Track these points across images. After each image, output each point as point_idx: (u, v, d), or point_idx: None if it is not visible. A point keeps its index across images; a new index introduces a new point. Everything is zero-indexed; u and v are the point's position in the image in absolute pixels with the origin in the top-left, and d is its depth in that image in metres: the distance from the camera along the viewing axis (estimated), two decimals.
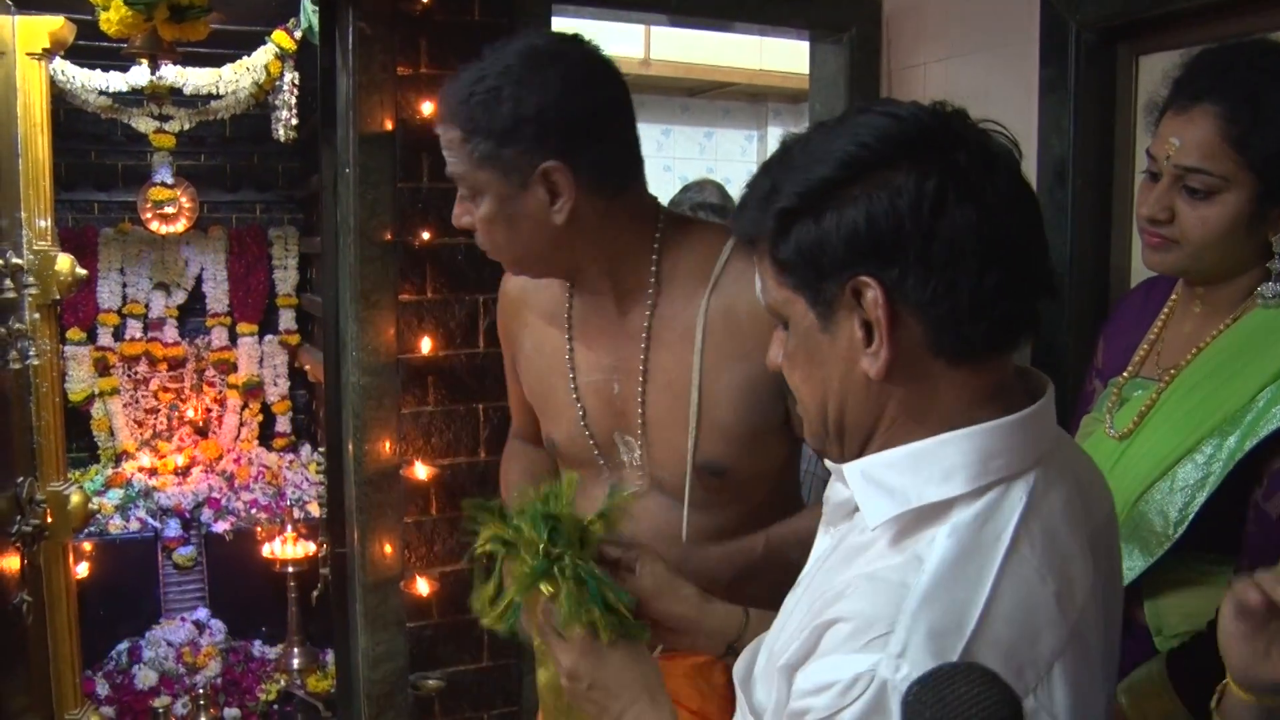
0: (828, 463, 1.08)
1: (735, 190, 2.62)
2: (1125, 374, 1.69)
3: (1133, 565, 1.54)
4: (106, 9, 2.35)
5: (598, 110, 1.49)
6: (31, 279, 2.46)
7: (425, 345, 2.61)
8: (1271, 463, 1.42)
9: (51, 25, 2.48)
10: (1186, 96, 1.49)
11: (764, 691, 1.06)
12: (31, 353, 2.45)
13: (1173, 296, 1.67)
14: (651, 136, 5.95)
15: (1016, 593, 0.90)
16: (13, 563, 2.32)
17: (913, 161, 0.91)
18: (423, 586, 2.65)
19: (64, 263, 2.56)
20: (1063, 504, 0.97)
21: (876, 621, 0.89)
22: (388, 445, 2.60)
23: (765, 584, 1.39)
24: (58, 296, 2.57)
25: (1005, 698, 0.78)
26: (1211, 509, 1.47)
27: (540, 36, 1.54)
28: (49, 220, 2.56)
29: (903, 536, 0.96)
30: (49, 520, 2.49)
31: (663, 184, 4.44)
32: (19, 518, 2.35)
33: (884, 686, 0.87)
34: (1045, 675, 0.90)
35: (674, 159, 5.94)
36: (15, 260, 2.34)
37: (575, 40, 1.53)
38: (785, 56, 5.17)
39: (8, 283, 2.27)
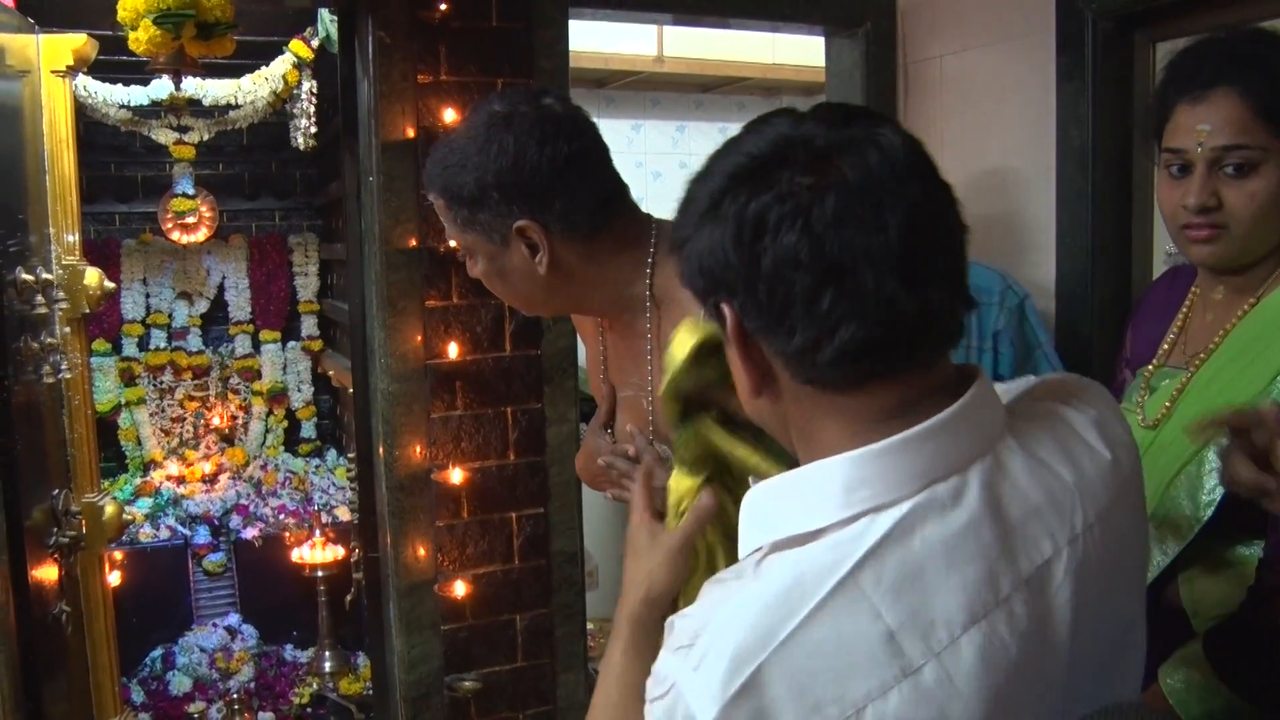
0: None
1: None
2: (1153, 364, 1.70)
3: (1166, 550, 1.56)
4: (135, 29, 2.37)
5: (554, 166, 1.52)
6: (61, 293, 2.49)
7: (452, 350, 2.63)
8: None
9: (75, 43, 2.51)
10: (1199, 85, 1.50)
11: None
12: (63, 366, 2.47)
13: (1195, 286, 1.69)
14: (666, 133, 5.96)
15: (834, 627, 0.86)
16: (51, 574, 2.35)
17: (739, 196, 0.90)
18: (458, 589, 2.67)
19: (92, 276, 2.58)
20: (953, 532, 0.90)
21: (689, 630, 0.91)
22: (418, 450, 2.62)
23: None
24: (87, 310, 2.59)
25: None
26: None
27: (500, 100, 1.58)
28: (76, 235, 2.59)
29: (768, 554, 0.94)
30: (85, 531, 2.51)
31: (678, 181, 4.43)
32: (55, 529, 2.38)
33: (679, 694, 0.88)
34: (854, 717, 0.85)
35: (689, 155, 5.93)
36: (45, 276, 2.37)
37: (534, 100, 1.57)
38: (799, 50, 5.16)
39: (39, 298, 2.30)
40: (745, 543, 0.98)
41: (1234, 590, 1.52)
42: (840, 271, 0.86)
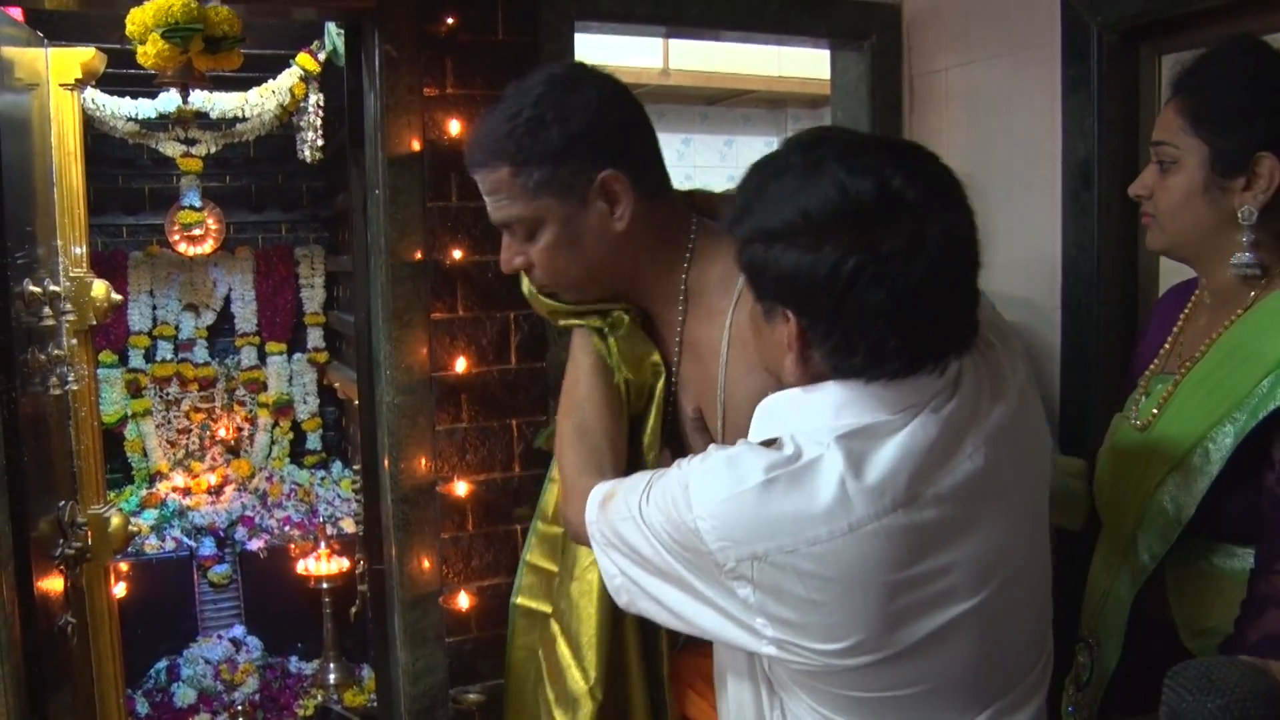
0: None
1: None
2: (1151, 368, 1.74)
3: (1153, 553, 1.58)
4: (143, 42, 2.38)
5: (635, 115, 1.56)
6: (68, 305, 2.49)
7: (458, 363, 2.63)
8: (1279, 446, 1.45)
9: (83, 56, 2.52)
10: (1167, 95, 1.65)
11: None
12: (70, 378, 2.48)
13: (1193, 296, 1.73)
14: (672, 146, 5.97)
15: (811, 484, 1.14)
16: (56, 585, 2.35)
17: (840, 239, 1.09)
18: (463, 601, 2.67)
19: (99, 289, 2.59)
20: (907, 435, 1.15)
21: (714, 455, 1.23)
22: (423, 463, 2.62)
23: None
24: (94, 322, 2.60)
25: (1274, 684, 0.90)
26: (1227, 498, 1.50)
27: (554, 66, 1.61)
28: (84, 247, 2.60)
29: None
30: (90, 542, 2.51)
31: None
32: (61, 541, 2.38)
33: (688, 482, 1.21)
34: (804, 548, 1.13)
35: (695, 167, 5.95)
36: (53, 288, 2.37)
37: (586, 65, 1.61)
38: (803, 62, 5.18)
39: (46, 310, 2.30)
40: (758, 433, 1.24)
41: (1223, 599, 1.52)
42: (911, 327, 1.11)
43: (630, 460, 1.63)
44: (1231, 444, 1.48)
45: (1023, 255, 2.72)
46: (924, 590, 1.16)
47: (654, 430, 1.66)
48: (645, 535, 1.25)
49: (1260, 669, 0.91)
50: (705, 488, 1.17)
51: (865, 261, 1.07)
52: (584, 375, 1.66)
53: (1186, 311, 1.73)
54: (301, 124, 4.35)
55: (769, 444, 1.20)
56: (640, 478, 1.33)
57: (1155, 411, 1.64)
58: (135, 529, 4.00)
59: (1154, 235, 1.68)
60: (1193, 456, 1.53)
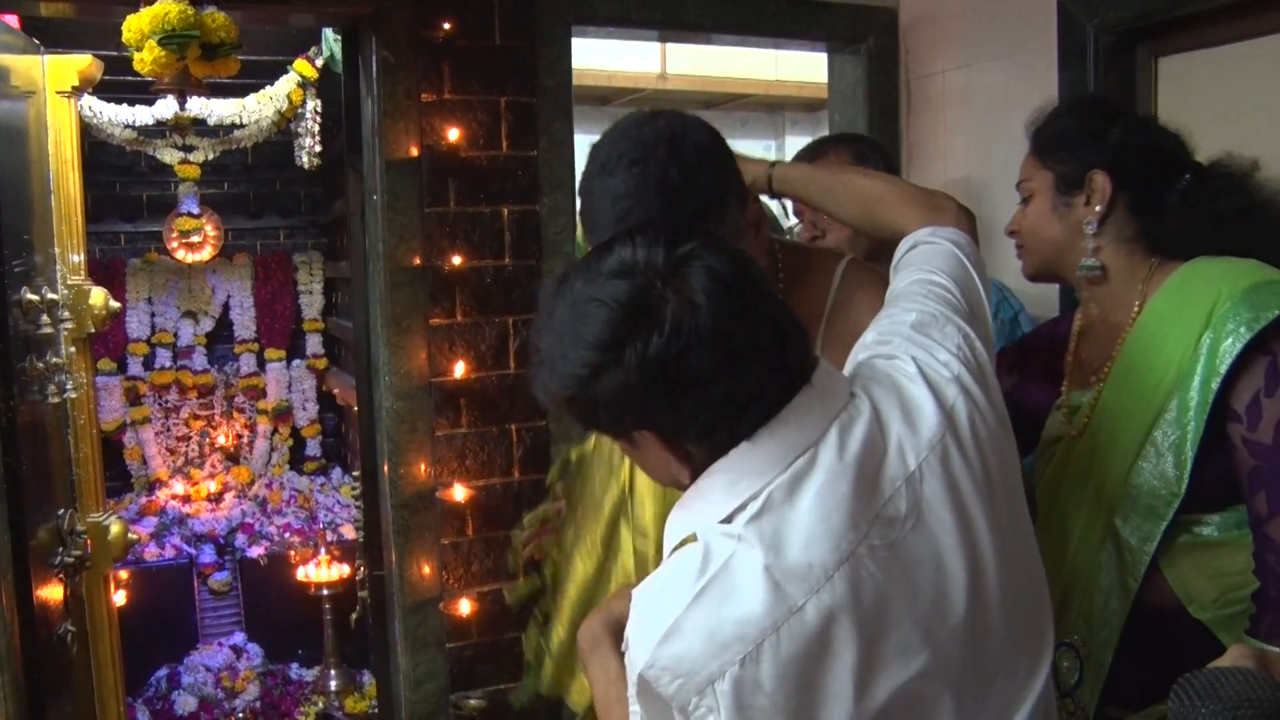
0: None
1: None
2: (1062, 391, 1.83)
3: (1147, 533, 1.62)
4: (140, 50, 2.38)
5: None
6: (66, 313, 2.49)
7: (457, 368, 2.63)
8: (1240, 398, 1.55)
9: (80, 64, 2.51)
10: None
11: None
12: (69, 386, 2.47)
13: (1076, 321, 1.87)
14: None
15: (732, 584, 1.07)
16: (56, 594, 2.35)
17: (633, 342, 1.07)
18: (463, 606, 2.67)
19: (97, 296, 2.59)
20: (815, 491, 1.09)
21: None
22: (422, 468, 2.62)
23: None
24: (92, 329, 2.60)
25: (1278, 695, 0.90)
26: (1200, 467, 1.56)
27: (653, 119, 1.55)
28: (81, 254, 2.59)
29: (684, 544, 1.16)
30: (90, 550, 2.51)
31: None
32: (60, 549, 2.38)
33: (629, 650, 1.12)
34: (754, 652, 1.05)
35: None
36: (51, 296, 2.37)
37: (678, 113, 1.60)
38: (801, 66, 5.19)
39: (44, 318, 2.30)
40: (669, 545, 1.18)
41: (1219, 565, 1.59)
42: (739, 364, 1.08)
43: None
44: (1199, 405, 1.56)
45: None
46: (884, 645, 1.09)
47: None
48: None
49: (1267, 680, 0.93)
50: (639, 637, 1.10)
51: (663, 346, 1.06)
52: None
53: (1075, 333, 1.86)
54: (299, 130, 4.35)
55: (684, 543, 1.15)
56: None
57: (1089, 415, 1.73)
58: (134, 537, 4.00)
59: (1025, 262, 1.87)
60: (1155, 433, 1.61)
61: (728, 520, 1.10)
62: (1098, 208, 1.72)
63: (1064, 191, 1.76)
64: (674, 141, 1.45)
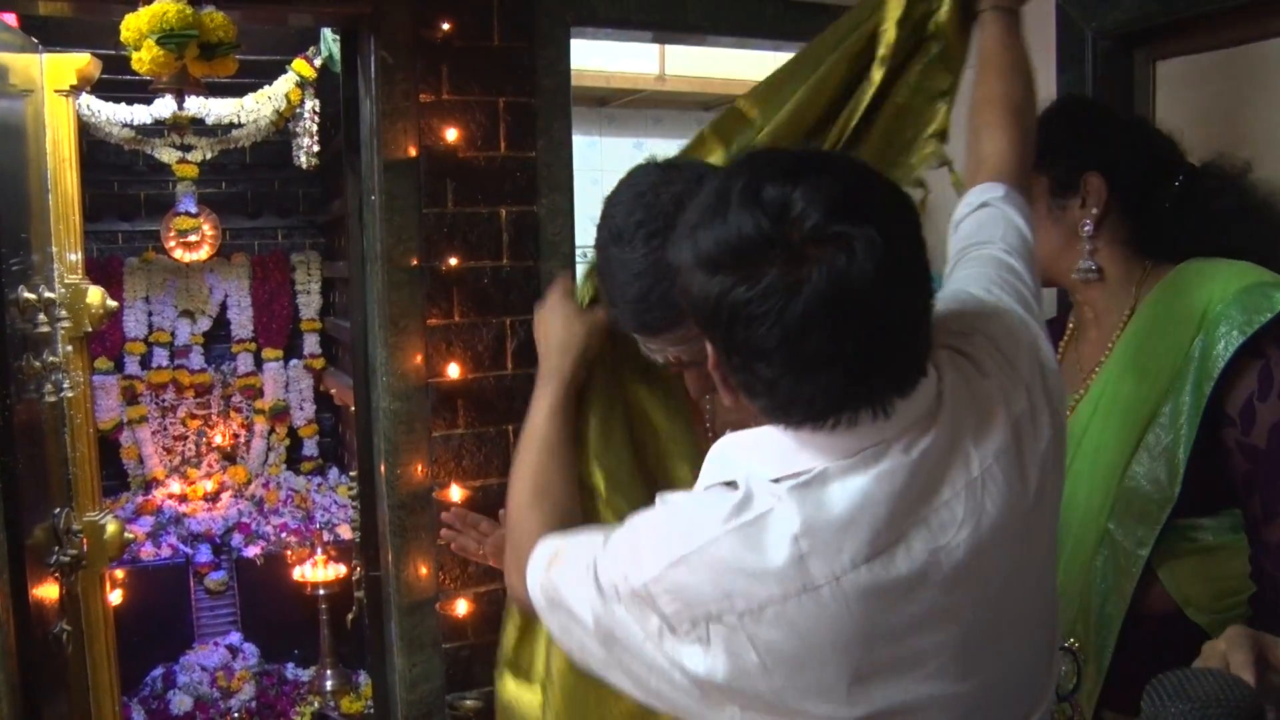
0: None
1: None
2: None
3: (1141, 537, 1.61)
4: (138, 49, 2.37)
5: None
6: (63, 312, 2.49)
7: (454, 369, 2.63)
8: (1234, 402, 1.54)
9: (78, 63, 2.51)
10: None
11: None
12: (65, 385, 2.48)
13: (1069, 323, 1.85)
14: (668, 152, 5.91)
15: (759, 539, 1.04)
16: (52, 592, 2.35)
17: (729, 272, 1.01)
18: (459, 607, 2.67)
19: (94, 295, 2.59)
20: (868, 481, 1.05)
21: (653, 514, 1.15)
22: (419, 469, 2.62)
23: None
24: (89, 328, 2.59)
25: (1249, 694, 0.92)
26: (1193, 470, 1.55)
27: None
28: (79, 254, 2.59)
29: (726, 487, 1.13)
30: (86, 550, 2.51)
31: None
32: (57, 548, 2.38)
33: (620, 560, 1.12)
34: (756, 611, 1.04)
35: None
36: (48, 294, 2.37)
37: None
38: None
39: (41, 317, 2.30)
40: (709, 477, 1.15)
41: (1214, 568, 1.60)
42: (800, 369, 1.00)
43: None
44: (1192, 407, 1.56)
45: None
46: (894, 655, 1.06)
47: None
48: (595, 596, 1.14)
49: (1238, 681, 0.95)
50: (655, 548, 1.09)
51: (745, 298, 0.99)
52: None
53: (1067, 335, 1.84)
54: (297, 130, 4.36)
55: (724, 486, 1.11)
56: (588, 536, 1.22)
57: (1086, 421, 1.72)
58: (131, 536, 4.00)
59: None
60: (1149, 437, 1.61)
61: (776, 480, 1.07)
62: (1094, 210, 1.71)
63: (1058, 195, 1.74)
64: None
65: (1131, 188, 1.71)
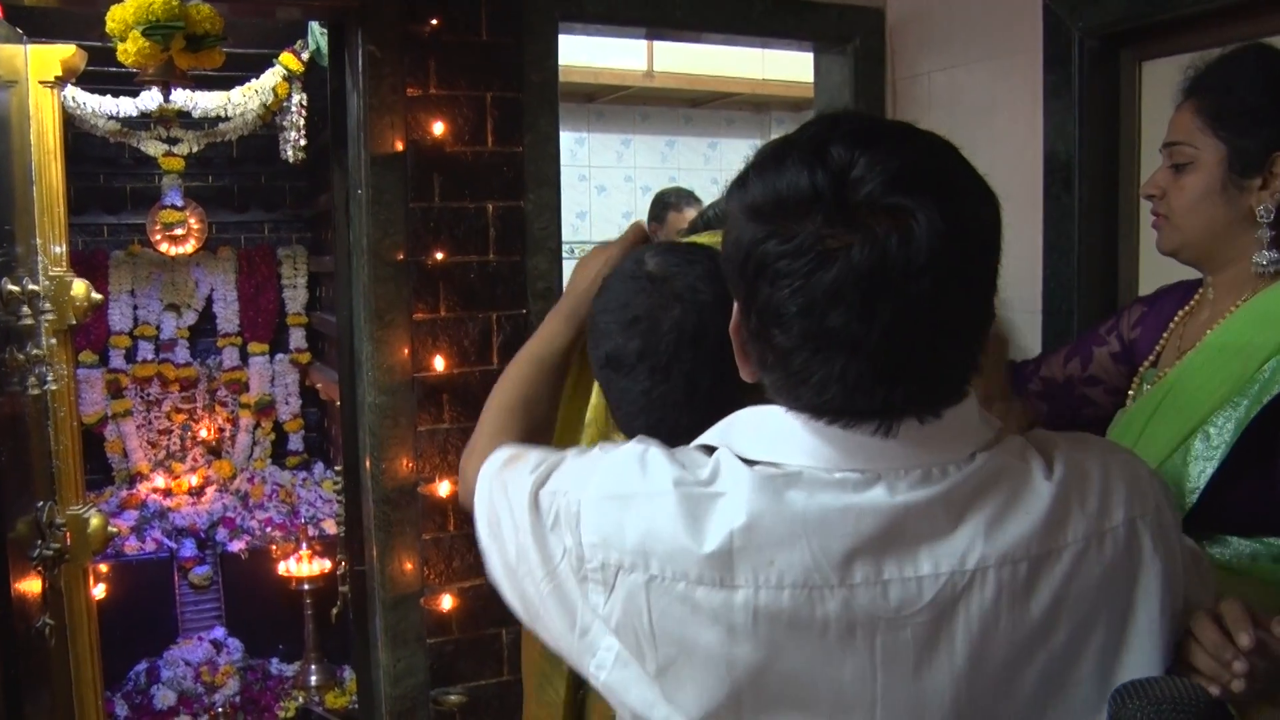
0: None
1: None
2: (1147, 362, 1.76)
3: None
4: (124, 40, 2.37)
5: None
6: (48, 305, 2.48)
7: (439, 363, 2.63)
8: None
9: (63, 54, 2.50)
10: (1179, 96, 1.66)
11: None
12: (49, 378, 2.46)
13: (1196, 295, 1.74)
14: (655, 148, 5.98)
15: (700, 515, 0.97)
16: (34, 586, 2.34)
17: (764, 223, 0.93)
18: (444, 602, 2.67)
19: (79, 288, 2.57)
20: (837, 507, 0.95)
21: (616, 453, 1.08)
22: (405, 463, 2.62)
23: None
24: (73, 322, 2.58)
25: (1208, 698, 0.96)
26: (1228, 488, 1.50)
27: None
28: (63, 246, 2.58)
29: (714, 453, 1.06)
30: (69, 543, 2.50)
31: None
32: (39, 542, 2.37)
33: (573, 485, 1.06)
34: (669, 582, 0.97)
35: (678, 169, 5.96)
36: (32, 287, 2.36)
37: None
38: (788, 66, 5.18)
39: (24, 309, 2.29)
40: (703, 437, 1.07)
41: (1242, 592, 1.53)
42: (817, 345, 0.91)
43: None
44: (1234, 430, 1.49)
45: (1004, 258, 2.72)
46: (781, 695, 0.97)
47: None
48: (530, 501, 1.08)
49: (1196, 685, 0.99)
50: (605, 476, 1.02)
51: (777, 251, 0.90)
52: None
53: (1188, 309, 1.73)
54: (284, 124, 4.35)
55: (705, 451, 1.05)
56: (555, 454, 1.14)
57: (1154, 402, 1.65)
58: (115, 530, 3.99)
59: (1167, 236, 1.66)
60: (1193, 441, 1.54)
61: (751, 463, 0.99)
62: (1278, 195, 1.53)
63: (1238, 170, 1.55)
64: (698, 339, 1.25)
65: None
